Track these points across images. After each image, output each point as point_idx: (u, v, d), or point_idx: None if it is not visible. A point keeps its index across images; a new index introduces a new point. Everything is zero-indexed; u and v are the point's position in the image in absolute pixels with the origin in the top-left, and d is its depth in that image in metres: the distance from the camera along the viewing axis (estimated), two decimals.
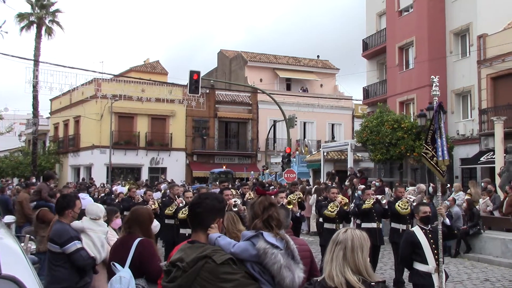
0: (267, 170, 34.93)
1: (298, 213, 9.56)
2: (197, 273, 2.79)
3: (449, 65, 25.75)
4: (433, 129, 6.57)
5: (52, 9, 36.87)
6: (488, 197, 15.47)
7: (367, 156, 27.19)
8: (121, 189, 18.93)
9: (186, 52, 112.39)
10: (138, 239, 4.63)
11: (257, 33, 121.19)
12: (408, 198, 10.35)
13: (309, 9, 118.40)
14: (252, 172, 33.91)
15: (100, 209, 5.78)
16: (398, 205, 10.06)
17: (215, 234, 3.05)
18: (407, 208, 9.94)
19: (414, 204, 9.89)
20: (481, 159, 22.16)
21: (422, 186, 15.46)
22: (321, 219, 10.78)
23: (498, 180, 17.49)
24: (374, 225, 10.25)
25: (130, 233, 4.76)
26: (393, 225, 10.35)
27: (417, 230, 6.38)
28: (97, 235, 5.48)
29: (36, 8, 36.31)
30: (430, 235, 6.29)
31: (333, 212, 10.02)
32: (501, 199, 15.24)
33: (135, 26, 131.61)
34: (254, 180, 24.96)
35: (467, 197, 15.44)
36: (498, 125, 19.51)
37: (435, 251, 6.20)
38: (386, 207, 10.24)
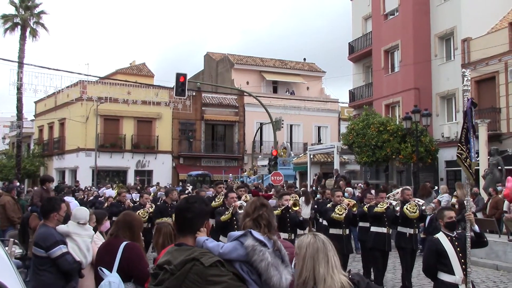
0: (245, 173, 34.94)
1: (302, 217, 9.03)
2: (185, 276, 2.77)
3: (434, 68, 25.99)
4: (466, 128, 5.95)
5: (36, 10, 36.56)
6: (472, 199, 15.61)
7: (353, 159, 27.35)
8: (109, 192, 18.50)
9: (180, 56, 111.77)
10: (124, 242, 4.59)
11: (249, 37, 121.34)
12: (416, 201, 9.82)
13: (304, 13, 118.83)
14: (230, 174, 33.96)
15: (86, 213, 5.73)
16: (407, 208, 9.52)
17: (202, 237, 3.05)
18: (415, 212, 9.46)
19: (423, 207, 9.73)
20: None
21: (409, 188, 15.53)
22: (325, 223, 10.19)
23: (482, 182, 17.70)
24: (384, 229, 9.72)
25: (116, 236, 4.71)
26: (400, 229, 9.81)
27: (441, 237, 5.84)
28: (82, 239, 5.43)
29: (21, 10, 35.97)
30: (456, 243, 5.79)
31: (341, 215, 9.42)
32: (485, 201, 15.42)
33: (122, 28, 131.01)
34: (238, 183, 24.93)
35: (453, 199, 15.55)
36: (482, 128, 19.74)
37: (462, 260, 5.70)
38: (398, 214, 9.54)
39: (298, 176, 33.10)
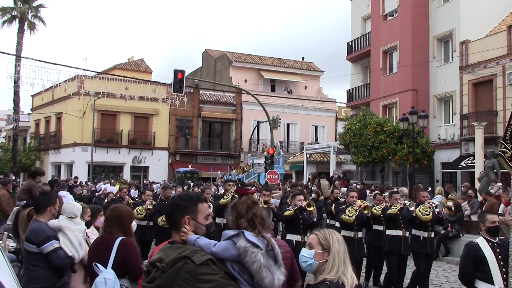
0: (233, 170, 34.93)
1: (315, 218, 8.60)
2: (176, 274, 2.77)
3: (432, 70, 26.04)
4: None
5: (35, 4, 36.46)
6: (467, 202, 15.66)
7: (349, 159, 27.40)
8: (110, 188, 18.20)
9: (185, 55, 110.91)
10: (119, 238, 4.56)
11: (251, 38, 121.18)
12: (431, 203, 9.39)
13: (309, 14, 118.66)
14: (219, 172, 34.02)
15: (77, 207, 5.68)
16: (419, 210, 9.10)
17: (194, 236, 3.04)
18: (428, 214, 9.05)
19: (437, 209, 9.33)
20: (461, 163, 22.44)
21: (404, 190, 15.53)
22: (337, 224, 9.68)
23: (477, 185, 17.75)
24: (400, 232, 9.26)
25: (110, 232, 4.68)
26: (414, 232, 9.43)
27: (482, 242, 5.38)
28: (74, 233, 5.39)
29: (19, 3, 35.87)
30: (498, 250, 5.30)
31: (351, 216, 8.88)
32: (479, 203, 15.46)
33: (121, 23, 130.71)
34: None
35: (449, 202, 15.57)
36: (479, 131, 19.78)
37: (504, 269, 5.18)
38: (414, 214, 9.15)
39: (294, 175, 33.16)
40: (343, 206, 9.42)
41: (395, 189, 12.39)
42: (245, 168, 35.03)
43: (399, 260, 9.29)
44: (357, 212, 8.95)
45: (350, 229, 8.99)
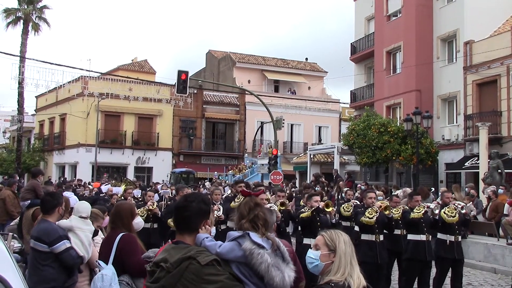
0: (230, 171, 34.99)
1: (334, 220, 8.24)
2: (181, 274, 2.78)
3: (436, 71, 25.99)
4: None
5: (39, 5, 36.51)
6: (471, 202, 15.63)
7: (353, 159, 27.37)
8: (116, 189, 18.17)
9: (193, 58, 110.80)
10: (120, 234, 4.64)
11: (254, 39, 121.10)
12: (456, 205, 8.89)
13: (316, 15, 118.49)
14: (215, 172, 34.06)
15: (89, 207, 5.73)
16: (444, 212, 8.58)
17: (203, 235, 3.05)
18: (454, 216, 8.54)
19: (463, 211, 8.91)
20: (465, 164, 22.39)
21: (408, 190, 15.54)
22: (357, 228, 8.80)
23: (482, 185, 17.71)
24: (423, 237, 8.57)
25: (113, 228, 4.80)
26: (439, 235, 8.85)
27: None
28: (85, 234, 5.42)
29: (23, 4, 35.93)
30: None
31: (371, 218, 8.08)
32: (483, 204, 15.44)
33: (126, 24, 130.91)
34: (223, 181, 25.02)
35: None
36: (483, 131, 19.74)
37: None
38: (437, 217, 8.62)
39: (298, 176, 33.16)
40: (361, 209, 8.66)
41: (419, 190, 11.90)
42: (242, 169, 35.07)
43: (422, 267, 8.67)
44: (378, 214, 8.20)
45: (371, 232, 8.30)
